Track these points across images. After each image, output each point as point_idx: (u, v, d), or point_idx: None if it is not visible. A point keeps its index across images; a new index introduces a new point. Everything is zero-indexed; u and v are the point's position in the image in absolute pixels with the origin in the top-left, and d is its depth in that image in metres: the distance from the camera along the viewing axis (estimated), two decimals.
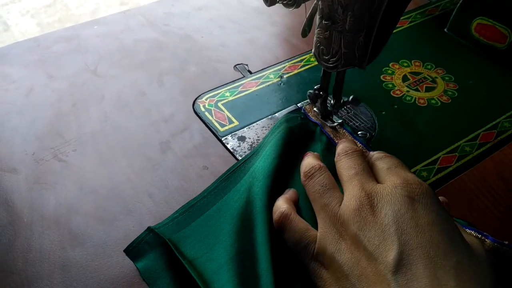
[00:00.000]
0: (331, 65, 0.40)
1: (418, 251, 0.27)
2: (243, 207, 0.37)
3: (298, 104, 0.48)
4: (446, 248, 0.27)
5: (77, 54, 0.56)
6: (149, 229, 0.36)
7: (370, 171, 0.35)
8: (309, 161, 0.38)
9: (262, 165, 0.39)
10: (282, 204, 0.35)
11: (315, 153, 0.40)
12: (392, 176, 0.32)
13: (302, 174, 0.37)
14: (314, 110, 0.47)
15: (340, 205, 0.32)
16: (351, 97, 0.44)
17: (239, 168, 0.41)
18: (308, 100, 0.46)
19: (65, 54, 0.57)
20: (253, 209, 0.36)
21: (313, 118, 0.45)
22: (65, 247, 0.36)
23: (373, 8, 0.34)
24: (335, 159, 0.38)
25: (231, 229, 0.35)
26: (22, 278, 0.34)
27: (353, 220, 0.30)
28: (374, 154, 0.36)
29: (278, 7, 0.65)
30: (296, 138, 0.43)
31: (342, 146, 0.38)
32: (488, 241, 0.33)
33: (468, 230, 0.34)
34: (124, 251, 0.36)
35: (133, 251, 0.35)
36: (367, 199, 0.31)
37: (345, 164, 0.36)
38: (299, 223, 0.33)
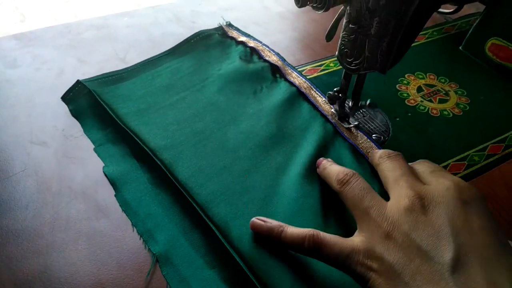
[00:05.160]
0: (353, 67, 0.42)
1: (473, 253, 0.28)
2: (154, 84, 0.51)
3: (218, 24, 0.61)
4: (498, 251, 0.28)
5: (107, 42, 0.59)
6: (78, 82, 0.50)
7: (415, 173, 0.35)
8: (339, 168, 0.38)
9: (179, 66, 0.54)
10: (302, 230, 0.33)
11: (329, 159, 0.41)
12: (440, 178, 0.33)
13: (335, 181, 0.37)
14: (231, 29, 0.60)
15: (385, 206, 0.32)
16: (368, 101, 0.47)
17: (158, 58, 0.55)
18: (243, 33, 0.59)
19: (95, 41, 0.59)
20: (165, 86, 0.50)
21: (229, 33, 0.59)
22: (91, 217, 0.38)
23: (399, 15, 0.37)
24: (376, 161, 0.39)
25: (141, 95, 0.49)
26: (48, 242, 0.36)
27: (404, 219, 0.30)
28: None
29: (301, 13, 0.68)
30: (215, 50, 0.56)
31: (383, 151, 0.39)
32: None
33: None
34: (61, 98, 0.49)
35: (67, 98, 0.49)
36: (417, 199, 0.31)
37: (390, 166, 0.36)
38: (330, 237, 0.32)
